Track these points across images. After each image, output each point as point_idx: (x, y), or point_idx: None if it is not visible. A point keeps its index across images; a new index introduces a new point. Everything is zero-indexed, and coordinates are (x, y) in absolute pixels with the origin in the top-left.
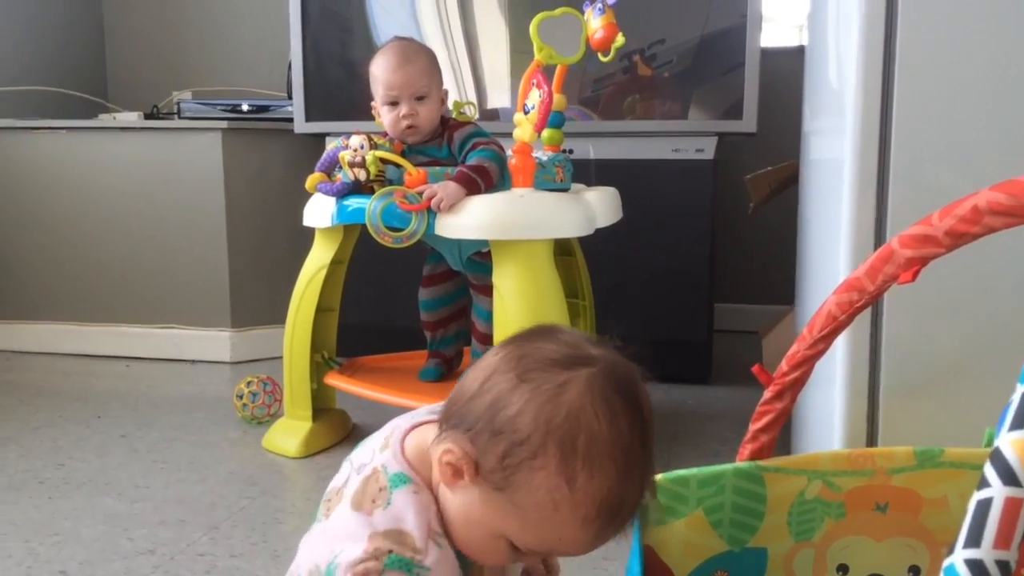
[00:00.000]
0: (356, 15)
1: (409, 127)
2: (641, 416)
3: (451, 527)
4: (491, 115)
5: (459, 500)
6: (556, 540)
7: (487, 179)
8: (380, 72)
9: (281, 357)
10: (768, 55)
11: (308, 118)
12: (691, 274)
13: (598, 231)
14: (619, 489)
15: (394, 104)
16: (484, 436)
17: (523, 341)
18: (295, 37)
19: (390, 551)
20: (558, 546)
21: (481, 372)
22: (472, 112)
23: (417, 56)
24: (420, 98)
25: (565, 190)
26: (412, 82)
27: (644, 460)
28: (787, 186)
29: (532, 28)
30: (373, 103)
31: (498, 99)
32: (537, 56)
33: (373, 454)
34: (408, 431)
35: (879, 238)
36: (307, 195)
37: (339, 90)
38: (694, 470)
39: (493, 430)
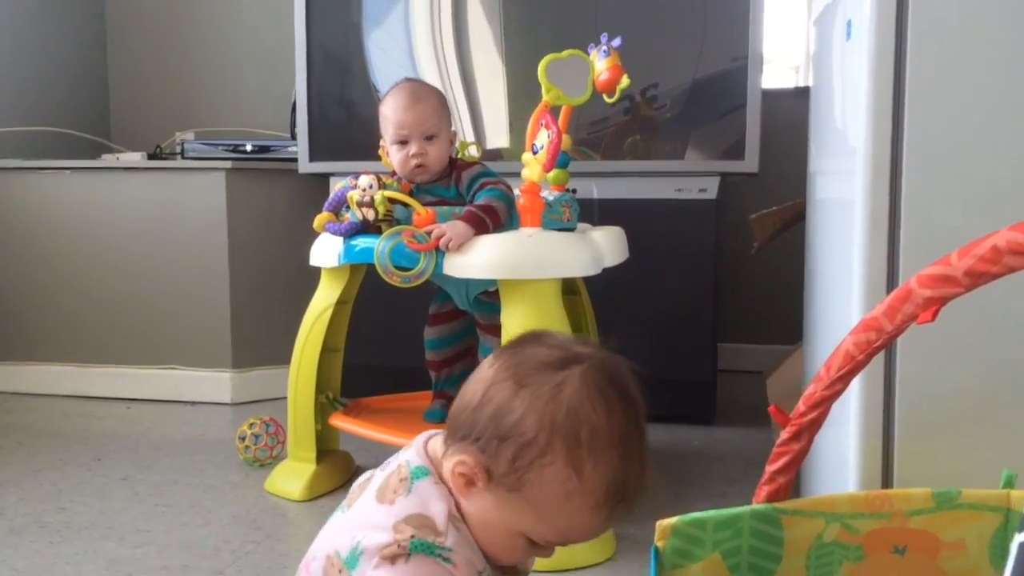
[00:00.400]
0: (355, 57)
1: (418, 166)
2: (633, 403)
3: (470, 532)
4: (493, 155)
5: (475, 507)
6: (570, 528)
7: (495, 218)
8: (391, 111)
9: (283, 398)
10: (768, 96)
11: (312, 158)
12: (695, 313)
13: (603, 270)
14: (622, 472)
15: (404, 143)
16: (492, 443)
17: (515, 349)
18: (300, 77)
19: (412, 535)
20: (572, 534)
21: (480, 384)
22: (476, 152)
23: (427, 96)
24: (430, 137)
25: (572, 229)
26: (422, 121)
27: (640, 443)
28: (791, 225)
29: (540, 70)
30: (382, 143)
31: (496, 139)
32: (545, 97)
33: (396, 456)
34: (429, 437)
35: (892, 277)
36: (311, 235)
37: (341, 130)
38: (711, 513)
39: (500, 436)
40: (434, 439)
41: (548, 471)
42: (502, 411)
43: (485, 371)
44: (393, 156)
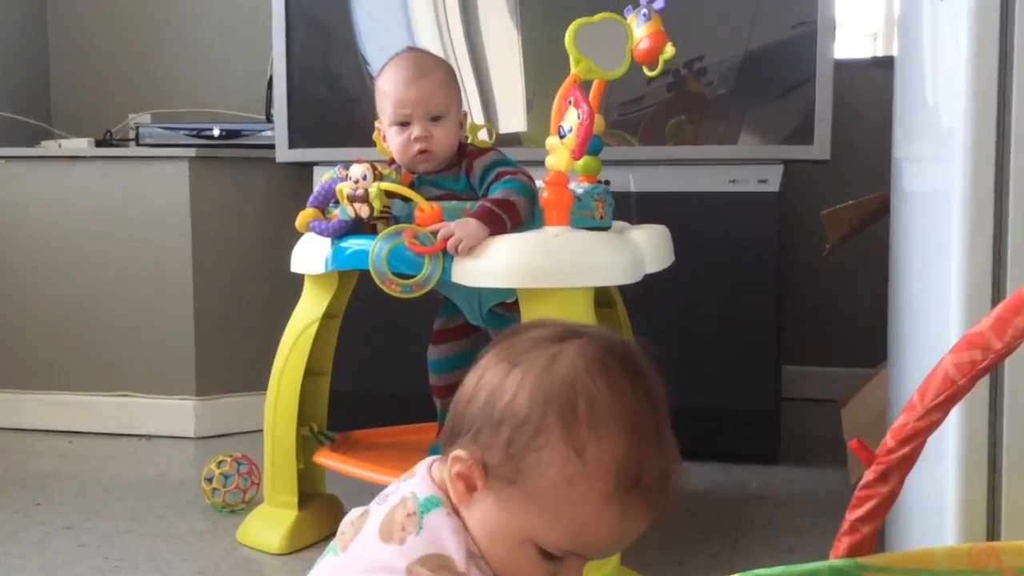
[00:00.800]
0: (342, 24)
1: (422, 152)
2: (642, 376)
3: (485, 563)
4: (508, 140)
5: (478, 516)
6: (582, 526)
7: (514, 215)
8: (390, 86)
9: (258, 431)
10: (841, 68)
11: (292, 144)
12: (754, 331)
13: (644, 277)
14: (634, 453)
15: (405, 125)
16: (486, 432)
17: (510, 335)
18: (278, 49)
19: None
20: (587, 536)
21: (474, 375)
22: (489, 137)
23: (434, 69)
24: (436, 118)
25: (606, 228)
26: (427, 99)
27: (657, 422)
28: (871, 222)
29: (568, 37)
30: (377, 124)
31: (513, 122)
32: (574, 70)
33: (397, 485)
34: (433, 462)
35: (999, 285)
36: (292, 235)
37: (327, 111)
38: (779, 570)
39: (493, 422)
40: (438, 463)
41: (544, 453)
42: (494, 395)
43: (480, 361)
44: (391, 140)
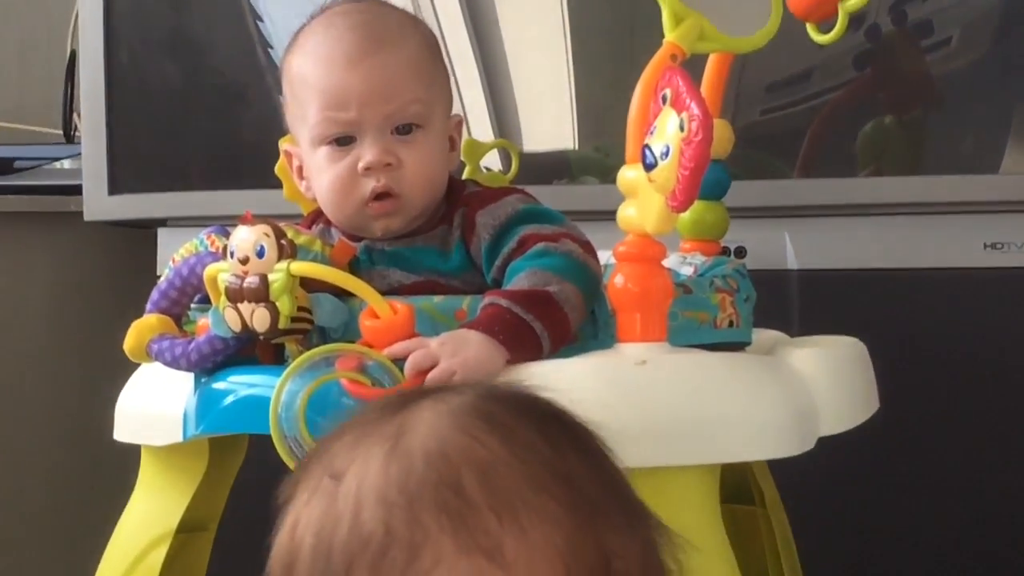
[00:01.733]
0: None
1: (381, 196)
2: (559, 422)
3: None
4: (542, 170)
5: None
6: None
7: (558, 324)
8: (315, 69)
9: None
10: None
11: (115, 187)
12: None
13: (828, 445)
14: (586, 531)
15: (345, 143)
16: None
17: (317, 445)
18: (89, 9)
19: None
20: None
21: (286, 530)
22: (507, 167)
23: (401, 36)
24: (406, 128)
25: (742, 345)
26: (391, 91)
27: (606, 477)
28: None
29: None
30: (286, 146)
31: (547, 136)
32: (669, 37)
33: None
34: None
35: None
36: (115, 365)
37: (185, 124)
38: None
39: (338, 573)
40: None
41: None
42: (325, 533)
43: (285, 512)
44: (317, 175)
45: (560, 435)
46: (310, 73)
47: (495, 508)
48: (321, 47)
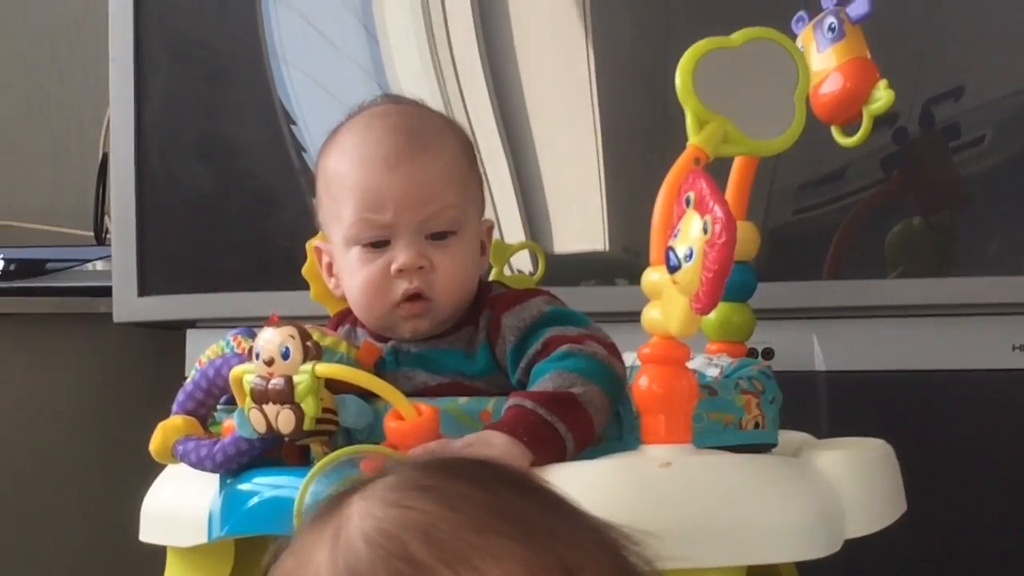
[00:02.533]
0: (246, 58)
1: (414, 299)
2: (496, 476)
3: None
4: (567, 272)
5: None
6: None
7: (582, 425)
8: (352, 170)
9: None
10: None
11: (144, 290)
12: None
13: (854, 546)
14: (540, 560)
15: (379, 247)
16: None
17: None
18: (121, 99)
19: None
20: None
21: None
22: (535, 268)
23: (440, 141)
24: (441, 235)
25: (767, 448)
26: (428, 196)
27: (560, 514)
28: None
29: (682, 75)
30: (317, 244)
31: (575, 238)
32: (693, 140)
33: None
34: None
35: None
36: (140, 468)
37: (214, 229)
38: None
39: None
40: None
41: None
42: None
43: None
44: (349, 276)
45: (494, 480)
46: (347, 173)
47: (448, 562)
48: (359, 148)
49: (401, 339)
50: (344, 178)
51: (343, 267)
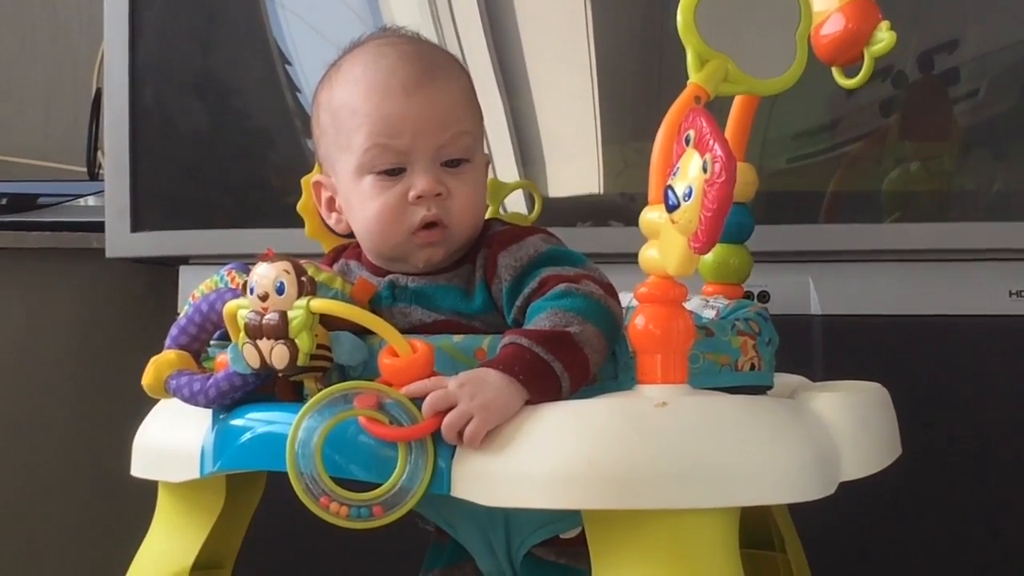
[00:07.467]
0: (246, 14)
1: (431, 226)
2: None
3: None
4: (564, 213)
5: None
6: None
7: (577, 365)
8: (365, 97)
9: None
10: None
11: (138, 224)
12: None
13: (849, 490)
14: None
15: (393, 173)
16: None
17: None
18: (115, 41)
19: None
20: None
21: None
22: (530, 207)
23: (450, 69)
24: (455, 162)
25: (762, 389)
26: (446, 122)
27: None
28: None
29: (684, 15)
30: (316, 178)
31: (570, 178)
32: (693, 78)
33: None
34: None
35: None
36: (135, 401)
37: (207, 162)
38: None
39: None
40: None
41: None
42: None
43: None
44: (362, 203)
45: None
46: (360, 102)
47: None
48: (372, 75)
49: (408, 272)
50: (356, 106)
51: (353, 198)
